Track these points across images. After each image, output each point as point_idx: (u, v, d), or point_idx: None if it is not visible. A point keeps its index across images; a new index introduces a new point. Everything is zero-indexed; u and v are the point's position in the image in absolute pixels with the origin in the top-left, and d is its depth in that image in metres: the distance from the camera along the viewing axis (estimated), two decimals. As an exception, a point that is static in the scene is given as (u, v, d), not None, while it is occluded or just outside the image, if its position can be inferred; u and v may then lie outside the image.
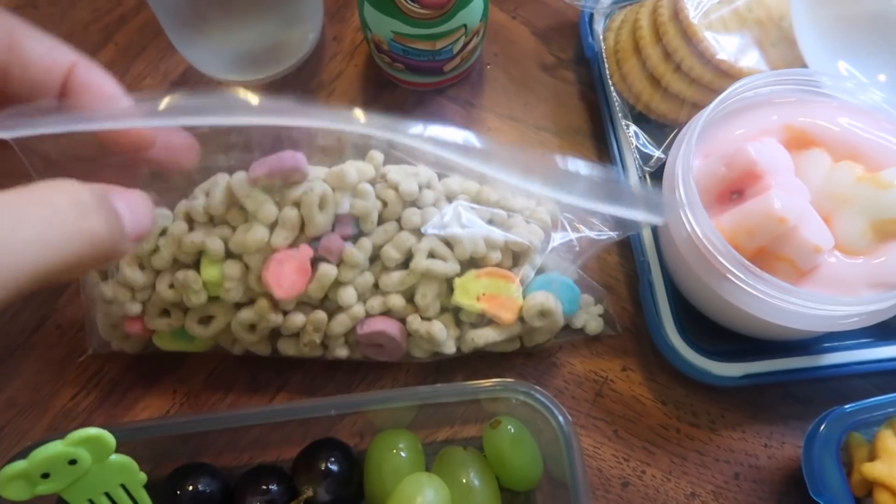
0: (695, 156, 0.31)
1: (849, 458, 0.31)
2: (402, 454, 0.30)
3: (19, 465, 0.25)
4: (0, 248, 0.18)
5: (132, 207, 0.23)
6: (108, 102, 0.25)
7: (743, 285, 0.28)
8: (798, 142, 0.31)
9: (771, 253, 0.29)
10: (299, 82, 0.42)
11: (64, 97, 0.24)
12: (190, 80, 0.42)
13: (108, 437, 0.26)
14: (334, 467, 0.30)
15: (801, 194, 0.30)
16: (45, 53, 0.24)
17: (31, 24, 0.24)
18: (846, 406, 0.29)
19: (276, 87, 0.42)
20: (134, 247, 0.25)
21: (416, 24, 0.34)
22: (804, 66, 0.33)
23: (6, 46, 0.23)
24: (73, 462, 0.26)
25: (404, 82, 0.40)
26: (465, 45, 0.37)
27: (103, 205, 0.21)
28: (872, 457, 0.29)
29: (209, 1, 0.36)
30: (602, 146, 0.39)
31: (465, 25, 0.35)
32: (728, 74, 0.34)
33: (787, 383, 0.34)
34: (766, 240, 0.29)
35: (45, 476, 0.26)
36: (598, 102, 0.39)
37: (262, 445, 0.33)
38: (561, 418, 0.29)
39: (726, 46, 0.34)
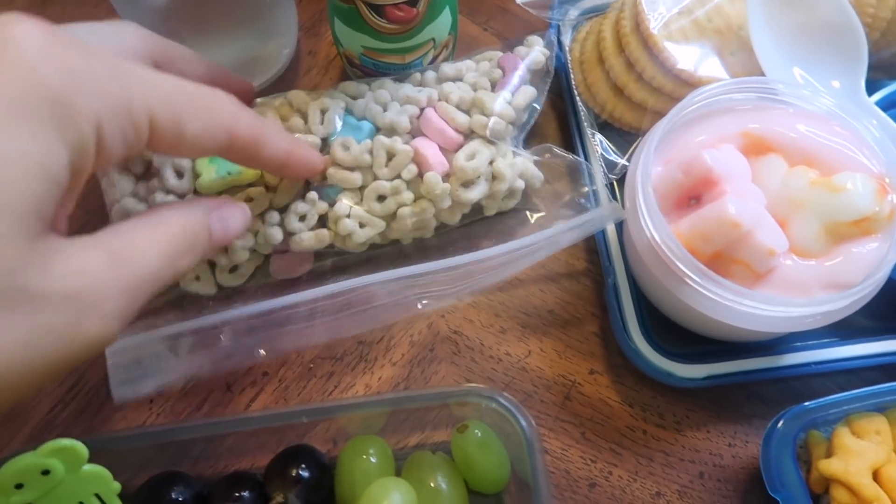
0: (656, 163, 0.32)
1: (808, 456, 0.31)
2: (372, 459, 0.31)
3: (-8, 476, 0.26)
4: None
5: (226, 223, 0.27)
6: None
7: (700, 289, 0.29)
8: (755, 148, 0.32)
9: (727, 257, 0.30)
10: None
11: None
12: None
13: (81, 448, 0.26)
14: (305, 473, 0.30)
15: (756, 199, 0.30)
16: (203, 131, 0.25)
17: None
18: (803, 404, 0.30)
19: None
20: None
21: (384, 39, 0.35)
22: (762, 73, 0.34)
23: (174, 133, 0.24)
24: (46, 472, 0.26)
25: None
26: (435, 58, 0.38)
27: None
28: (830, 454, 0.30)
29: (182, 18, 0.37)
30: (571, 153, 0.40)
31: (433, 39, 0.36)
32: (688, 83, 0.35)
33: (751, 383, 0.35)
34: (721, 244, 0.29)
35: (19, 487, 0.26)
36: (567, 111, 0.40)
37: (237, 453, 0.33)
38: (524, 422, 0.29)
39: (686, 56, 0.35)
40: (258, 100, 0.37)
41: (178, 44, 0.32)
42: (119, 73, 0.22)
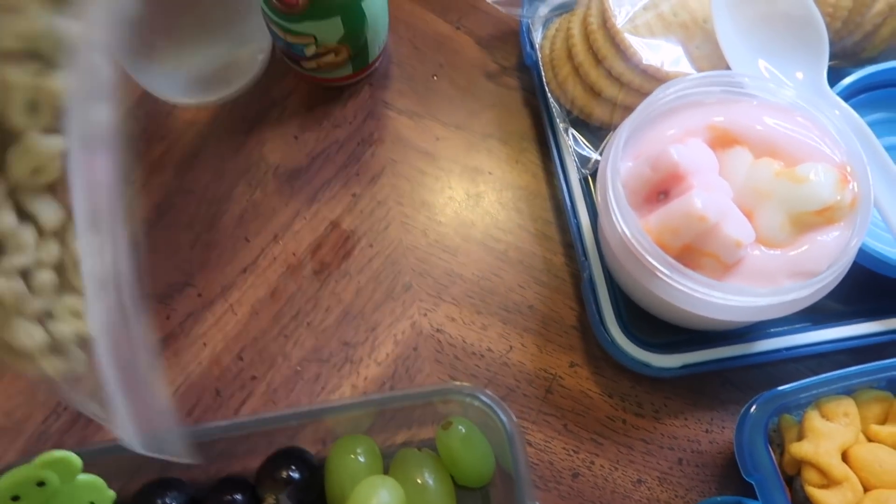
0: (626, 158, 0.33)
1: (781, 440, 0.32)
2: (360, 458, 0.32)
3: (-12, 490, 0.26)
4: None
5: None
6: None
7: (671, 282, 0.30)
8: (721, 141, 0.33)
9: (696, 249, 0.31)
10: (252, 101, 0.43)
11: None
12: (145, 104, 0.43)
13: (74, 459, 0.27)
14: (295, 475, 0.31)
15: (723, 192, 0.31)
16: None
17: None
18: (775, 389, 0.31)
19: (230, 107, 0.43)
20: None
21: (278, 15, 0.37)
22: (728, 66, 0.35)
23: None
24: (41, 484, 0.27)
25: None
26: (320, 54, 0.39)
27: None
28: (801, 437, 0.31)
29: (155, 28, 0.37)
30: (545, 150, 0.41)
31: (314, 36, 0.37)
32: (655, 78, 0.35)
33: (726, 371, 0.36)
34: (689, 237, 0.30)
35: (16, 499, 0.27)
36: (540, 108, 0.41)
37: (228, 457, 0.34)
38: (504, 417, 0.30)
39: (653, 51, 0.35)
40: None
41: None
42: None
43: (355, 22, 0.37)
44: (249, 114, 0.43)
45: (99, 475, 0.29)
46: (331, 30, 0.37)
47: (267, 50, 0.43)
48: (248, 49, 0.42)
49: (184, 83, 0.42)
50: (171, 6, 0.36)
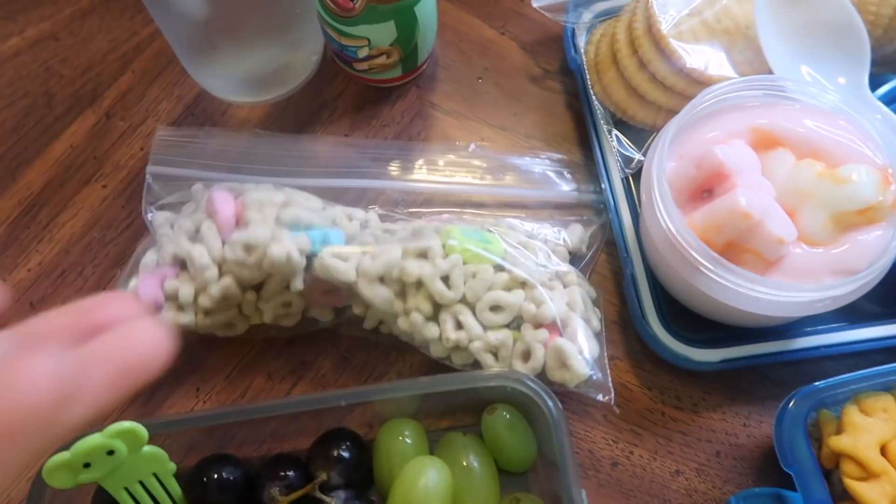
0: (669, 158, 0.34)
1: (820, 434, 0.33)
2: (408, 441, 0.33)
3: (63, 456, 0.28)
4: None
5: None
6: None
7: (714, 276, 0.31)
8: (764, 142, 0.34)
9: (739, 246, 0.32)
10: (304, 101, 0.45)
11: None
12: (202, 103, 0.45)
13: (142, 430, 0.29)
14: (346, 454, 0.33)
15: (765, 191, 0.32)
16: None
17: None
18: (814, 384, 0.32)
19: (282, 105, 0.45)
20: None
21: (329, 14, 0.39)
22: (770, 71, 0.36)
23: None
24: (110, 453, 0.28)
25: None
26: (372, 57, 0.40)
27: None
28: (839, 431, 0.32)
29: (219, 29, 0.39)
30: (588, 151, 0.42)
31: (368, 39, 0.39)
32: (699, 82, 0.36)
33: (764, 366, 0.37)
34: (733, 234, 0.31)
35: (87, 466, 0.28)
36: (583, 110, 0.42)
37: (279, 437, 0.36)
38: (550, 403, 0.31)
39: (697, 56, 0.37)
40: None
41: None
42: None
43: (407, 26, 0.39)
44: (301, 113, 0.45)
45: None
46: (384, 33, 0.39)
47: (320, 52, 0.45)
48: (304, 51, 0.44)
49: (240, 83, 0.44)
50: (234, 10, 0.38)
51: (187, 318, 0.34)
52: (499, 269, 0.34)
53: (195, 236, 0.35)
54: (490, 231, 0.36)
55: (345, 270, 0.33)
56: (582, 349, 0.33)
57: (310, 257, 0.34)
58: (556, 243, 0.37)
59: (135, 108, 0.45)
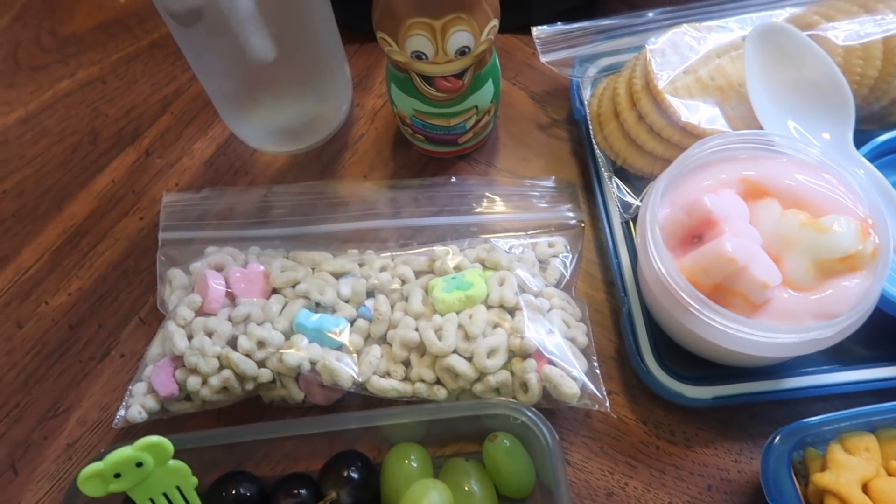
0: (663, 205, 0.37)
1: (807, 472, 0.34)
2: (413, 464, 0.35)
3: (96, 466, 0.30)
4: None
5: None
6: None
7: (702, 316, 0.33)
8: (753, 192, 0.36)
9: (727, 289, 0.34)
10: (326, 144, 0.48)
11: None
12: (233, 143, 0.49)
13: (168, 444, 0.31)
14: (355, 474, 0.35)
15: (752, 238, 0.34)
16: None
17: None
18: (799, 422, 0.33)
19: (306, 148, 0.48)
20: None
21: (433, 105, 0.40)
22: (760, 126, 0.38)
23: None
24: (139, 465, 0.31)
25: (425, 151, 0.46)
26: (478, 121, 0.43)
27: None
28: (824, 468, 0.33)
29: (261, 83, 0.42)
30: (591, 196, 0.45)
31: (476, 106, 0.41)
32: (693, 134, 0.39)
33: (756, 405, 0.38)
34: (720, 277, 0.33)
35: (117, 476, 0.31)
36: (587, 158, 0.45)
37: (293, 458, 0.38)
38: (547, 433, 0.33)
39: (691, 110, 0.39)
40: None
41: None
42: None
43: (497, 78, 0.41)
44: (325, 155, 0.48)
45: (183, 463, 0.33)
46: (486, 91, 0.41)
47: (348, 102, 0.48)
48: (335, 102, 0.47)
49: (274, 133, 0.47)
50: (274, 64, 0.40)
51: (193, 407, 0.38)
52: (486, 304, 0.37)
53: (190, 326, 0.38)
54: (473, 265, 0.39)
55: (349, 377, 0.37)
56: (569, 370, 0.36)
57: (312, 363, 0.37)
58: (538, 262, 0.40)
59: (172, 147, 0.49)
